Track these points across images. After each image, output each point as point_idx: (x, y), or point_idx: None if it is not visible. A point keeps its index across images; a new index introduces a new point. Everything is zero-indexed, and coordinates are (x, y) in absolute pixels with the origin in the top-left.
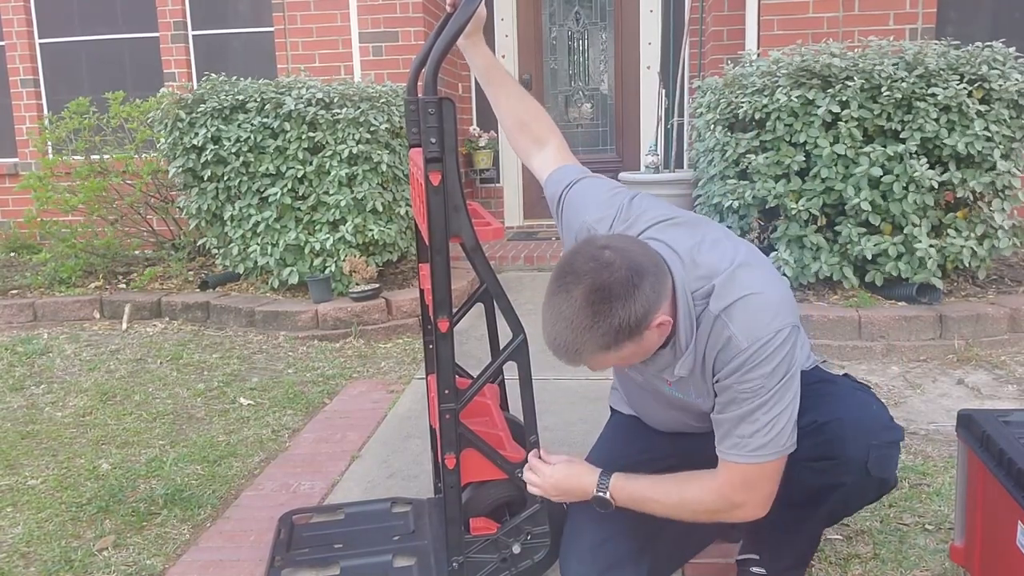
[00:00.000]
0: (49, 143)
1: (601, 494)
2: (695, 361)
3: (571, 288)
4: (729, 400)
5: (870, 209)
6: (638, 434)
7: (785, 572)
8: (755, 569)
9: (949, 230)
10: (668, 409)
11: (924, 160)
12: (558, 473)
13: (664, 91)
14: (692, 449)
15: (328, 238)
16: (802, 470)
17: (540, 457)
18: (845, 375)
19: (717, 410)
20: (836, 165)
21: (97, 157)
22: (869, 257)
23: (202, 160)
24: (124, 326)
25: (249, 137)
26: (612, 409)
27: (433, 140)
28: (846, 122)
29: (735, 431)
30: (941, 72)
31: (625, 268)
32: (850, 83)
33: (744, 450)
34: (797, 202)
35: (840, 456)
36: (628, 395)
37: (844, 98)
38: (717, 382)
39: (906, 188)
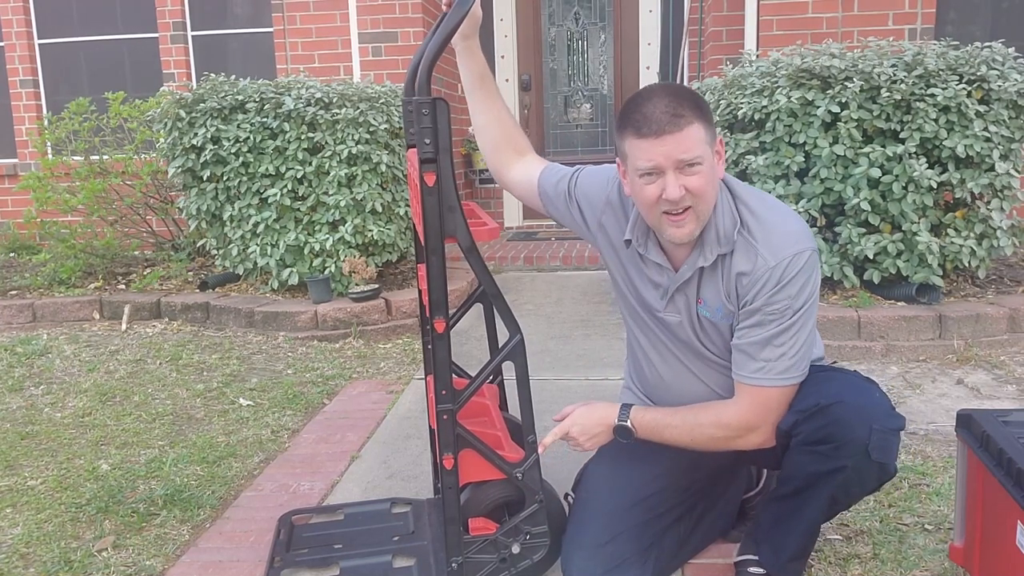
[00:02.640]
0: (48, 144)
1: (623, 423)
2: (721, 275)
3: (662, 84)
4: (756, 323)
5: (869, 209)
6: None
7: (787, 564)
8: (753, 569)
9: (948, 230)
10: (695, 361)
11: (923, 160)
12: (577, 417)
13: None
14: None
15: (328, 238)
16: (804, 454)
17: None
18: (854, 372)
19: (741, 335)
20: (835, 166)
21: (97, 158)
22: (870, 256)
23: (201, 160)
24: (123, 327)
25: (248, 137)
26: None
27: (427, 140)
28: (845, 123)
29: (760, 355)
30: (940, 72)
31: None
32: (849, 84)
33: (771, 373)
34: (797, 203)
35: (841, 439)
36: (654, 368)
37: (843, 99)
38: (743, 307)
39: (905, 188)
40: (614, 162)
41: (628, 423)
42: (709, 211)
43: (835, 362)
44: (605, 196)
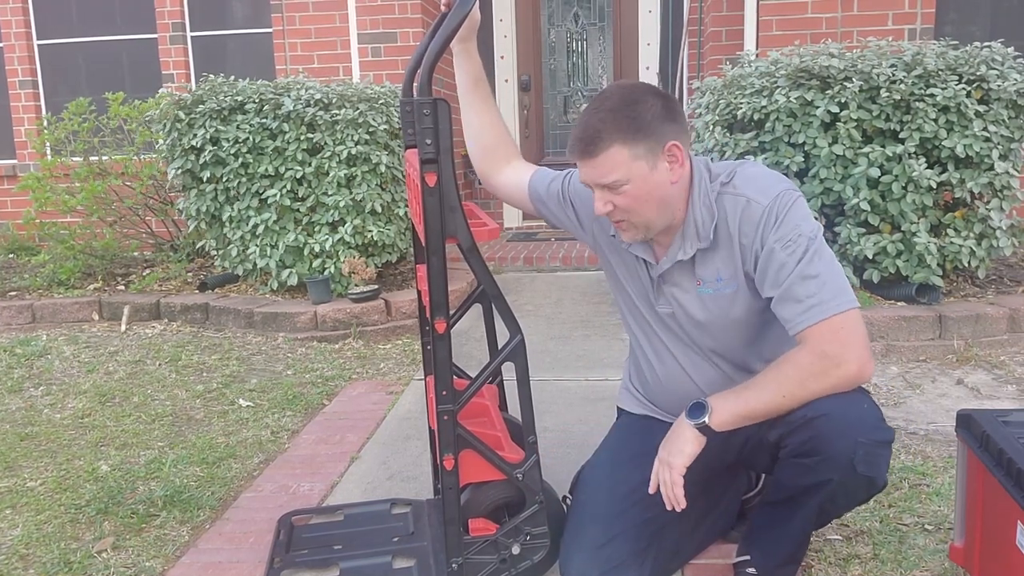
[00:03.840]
0: (48, 144)
1: (698, 420)
2: (725, 240)
3: (605, 94)
4: (779, 264)
5: (869, 209)
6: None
7: (777, 570)
8: (749, 570)
9: (948, 230)
10: (690, 355)
11: (923, 160)
12: (663, 455)
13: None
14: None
15: (327, 239)
16: (791, 466)
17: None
18: None
19: (773, 287)
20: (835, 166)
21: (96, 158)
22: (869, 256)
23: (201, 161)
24: (123, 328)
25: (248, 138)
26: (620, 410)
27: (428, 141)
28: (844, 123)
29: (800, 295)
30: (940, 72)
31: (656, 94)
32: (849, 84)
33: (818, 308)
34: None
35: (826, 452)
36: (651, 367)
37: (843, 99)
38: (757, 259)
39: (905, 188)
40: None
41: (704, 419)
42: (651, 218)
43: None
44: None
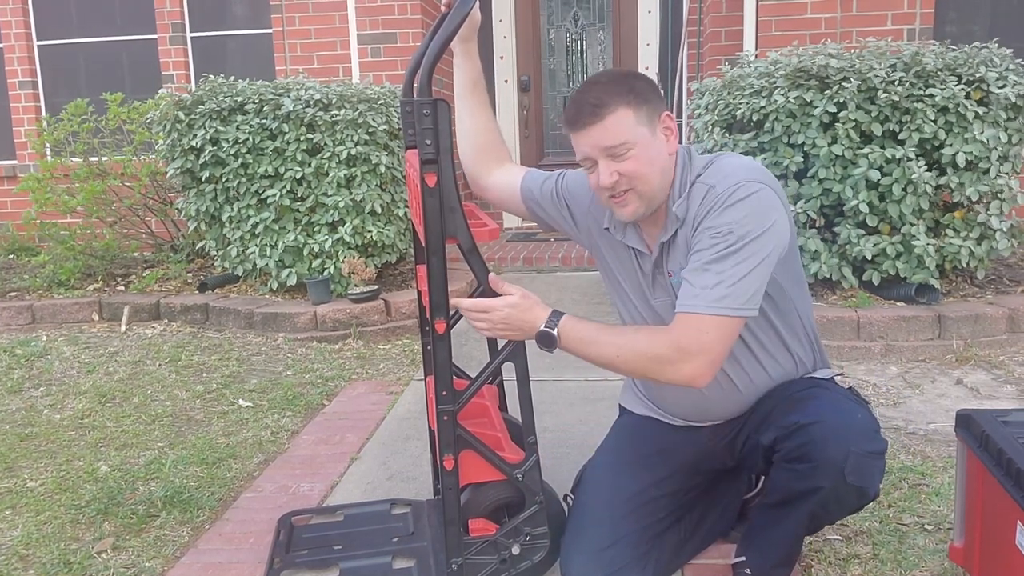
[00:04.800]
0: (47, 145)
1: (548, 329)
2: (686, 231)
3: (594, 76)
4: (698, 248)
5: (868, 211)
6: (647, 458)
7: (771, 571)
8: (745, 571)
9: (947, 231)
10: None
11: (922, 162)
12: (509, 301)
13: (663, 92)
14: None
15: (327, 239)
16: (784, 471)
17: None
18: (850, 388)
19: (687, 265)
20: (834, 166)
21: (96, 159)
22: (868, 257)
23: (200, 161)
24: (123, 328)
25: (247, 138)
26: (622, 409)
27: (428, 141)
28: (843, 123)
29: (698, 281)
30: (939, 73)
31: (642, 73)
32: (847, 84)
33: (704, 300)
34: (796, 204)
35: (817, 460)
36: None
37: (841, 99)
38: (695, 233)
39: (904, 190)
40: None
41: (554, 331)
42: (655, 187)
43: (842, 373)
44: (590, 193)
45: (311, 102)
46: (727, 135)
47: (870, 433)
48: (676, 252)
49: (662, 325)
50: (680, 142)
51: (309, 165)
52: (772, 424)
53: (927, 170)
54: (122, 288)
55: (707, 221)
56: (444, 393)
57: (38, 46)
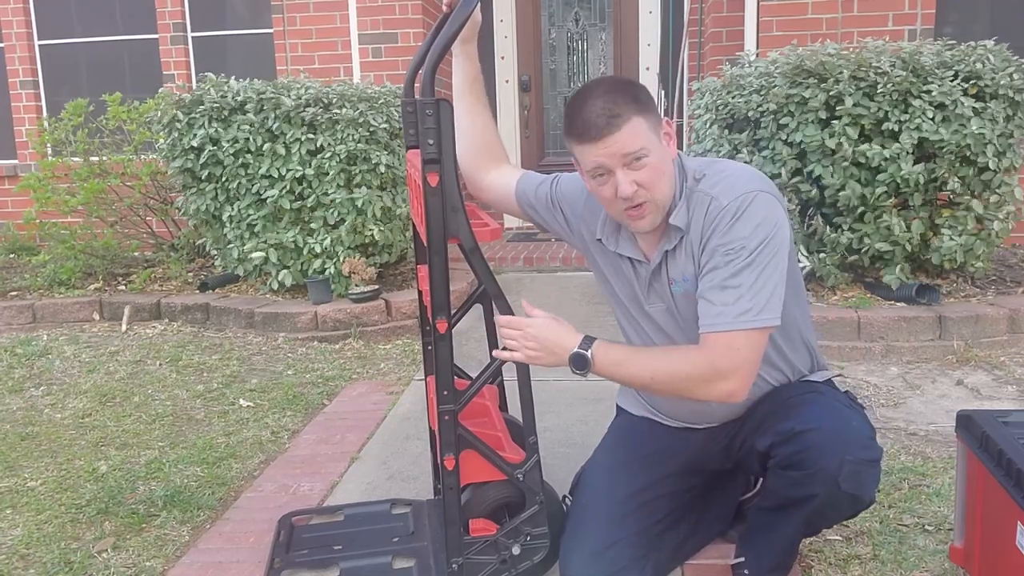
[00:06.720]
0: (48, 145)
1: (583, 351)
2: (691, 240)
3: (591, 85)
4: (712, 266)
5: (865, 208)
6: (644, 459)
7: (768, 573)
8: (744, 572)
9: (943, 229)
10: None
11: (919, 159)
12: (540, 324)
13: (663, 92)
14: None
15: (327, 239)
16: (779, 477)
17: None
18: (846, 392)
19: (702, 284)
20: (831, 164)
21: (96, 159)
22: (867, 257)
23: (200, 161)
24: (123, 328)
25: (248, 138)
26: (619, 409)
27: (431, 141)
28: (840, 119)
29: (718, 299)
30: (936, 70)
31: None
32: (841, 78)
33: (727, 317)
34: (792, 202)
35: (812, 467)
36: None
37: (838, 93)
38: (703, 251)
39: (899, 186)
40: None
41: (588, 353)
42: (668, 196)
43: (840, 374)
44: (584, 198)
45: (311, 101)
46: (727, 134)
47: (865, 440)
48: (678, 260)
49: (658, 330)
50: (681, 144)
51: (309, 165)
52: (768, 429)
53: (923, 165)
54: (123, 288)
55: (715, 239)
56: (445, 393)
57: (39, 46)
